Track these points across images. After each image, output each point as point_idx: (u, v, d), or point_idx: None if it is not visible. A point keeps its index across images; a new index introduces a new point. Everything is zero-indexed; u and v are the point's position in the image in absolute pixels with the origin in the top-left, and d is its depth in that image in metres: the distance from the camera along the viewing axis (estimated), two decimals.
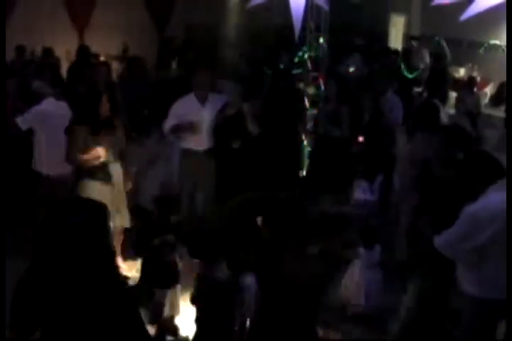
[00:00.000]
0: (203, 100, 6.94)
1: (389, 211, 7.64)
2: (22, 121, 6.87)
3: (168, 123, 6.92)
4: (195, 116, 6.85)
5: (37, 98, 7.46)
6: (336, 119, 8.14)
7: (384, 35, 15.14)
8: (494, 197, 4.05)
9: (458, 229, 4.14)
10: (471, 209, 4.10)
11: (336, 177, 7.60)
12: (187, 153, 7.07)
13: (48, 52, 11.79)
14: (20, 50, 11.83)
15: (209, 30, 13.73)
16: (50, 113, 6.75)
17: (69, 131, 5.86)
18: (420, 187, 5.63)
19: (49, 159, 6.79)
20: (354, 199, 8.12)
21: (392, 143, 7.06)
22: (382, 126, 7.13)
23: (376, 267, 5.77)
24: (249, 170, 7.02)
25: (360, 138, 7.93)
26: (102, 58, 11.32)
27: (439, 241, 4.27)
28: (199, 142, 6.96)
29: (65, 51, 12.54)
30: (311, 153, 8.69)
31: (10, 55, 11.96)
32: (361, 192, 8.36)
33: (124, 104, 7.91)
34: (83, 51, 11.42)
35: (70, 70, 8.53)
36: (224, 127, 6.91)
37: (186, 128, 6.84)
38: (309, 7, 9.02)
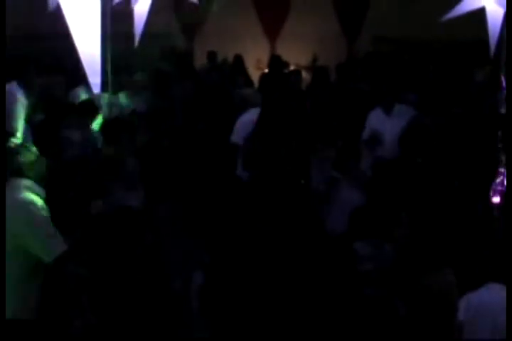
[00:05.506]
0: (388, 111, 7.22)
1: None
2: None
3: (363, 135, 7.33)
4: (380, 127, 7.17)
5: None
6: None
7: None
8: None
9: None
10: None
11: None
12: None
13: (239, 59, 12.22)
14: (212, 55, 12.20)
15: (396, 43, 13.61)
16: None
17: None
18: None
19: None
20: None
21: None
22: None
23: None
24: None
25: None
26: (291, 67, 11.53)
27: None
28: (383, 152, 7.11)
29: (255, 59, 12.93)
30: None
31: (201, 59, 12.56)
32: None
33: (310, 114, 8.10)
34: (276, 61, 11.68)
35: (262, 79, 8.77)
36: (408, 139, 6.92)
37: (373, 139, 7.14)
38: (506, 21, 8.68)
